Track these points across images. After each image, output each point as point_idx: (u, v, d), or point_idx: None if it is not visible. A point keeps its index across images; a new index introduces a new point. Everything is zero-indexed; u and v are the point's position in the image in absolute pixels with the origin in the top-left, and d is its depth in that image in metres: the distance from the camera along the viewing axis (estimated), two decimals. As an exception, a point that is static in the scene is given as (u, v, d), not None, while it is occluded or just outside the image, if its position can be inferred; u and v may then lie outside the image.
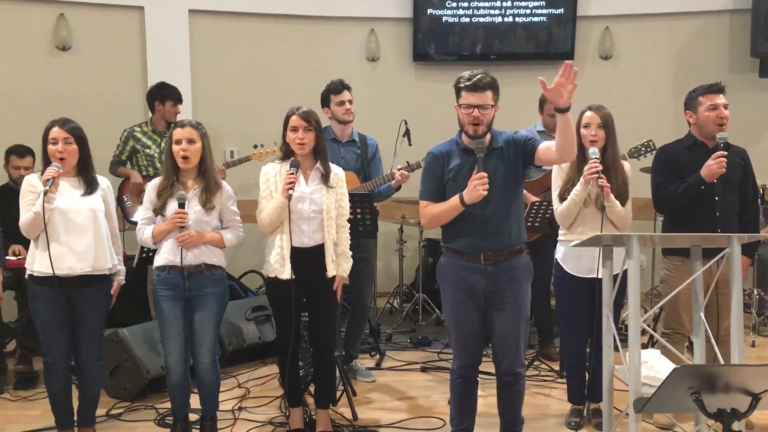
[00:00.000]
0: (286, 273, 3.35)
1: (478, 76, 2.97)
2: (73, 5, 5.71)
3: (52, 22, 5.67)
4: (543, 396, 4.20)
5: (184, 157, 3.32)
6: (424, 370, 4.65)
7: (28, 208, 3.25)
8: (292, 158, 3.40)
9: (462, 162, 3.05)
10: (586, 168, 3.34)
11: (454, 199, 2.99)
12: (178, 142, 3.34)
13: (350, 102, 4.31)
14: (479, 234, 3.02)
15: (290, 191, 3.28)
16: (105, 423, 3.81)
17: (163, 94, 5.24)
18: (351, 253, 3.53)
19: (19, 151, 4.67)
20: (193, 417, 3.66)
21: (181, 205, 3.29)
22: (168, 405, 3.66)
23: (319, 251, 3.41)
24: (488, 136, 3.06)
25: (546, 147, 3.00)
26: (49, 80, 5.68)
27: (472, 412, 3.26)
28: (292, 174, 3.32)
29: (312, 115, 3.41)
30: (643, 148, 4.73)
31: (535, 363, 4.58)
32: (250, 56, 6.23)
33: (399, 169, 4.19)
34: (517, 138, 3.10)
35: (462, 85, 2.99)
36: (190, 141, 3.34)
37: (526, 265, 3.15)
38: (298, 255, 3.38)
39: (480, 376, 3.28)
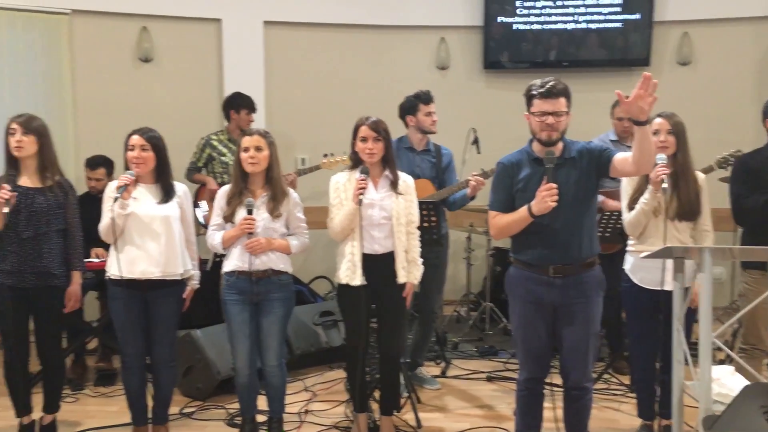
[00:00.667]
0: (357, 279, 3.40)
1: (551, 83, 2.94)
2: (155, 18, 5.95)
3: (136, 35, 5.93)
4: (612, 410, 4.10)
5: (252, 164, 3.42)
6: (489, 379, 4.62)
7: (107, 214, 3.42)
8: (362, 165, 3.45)
9: (532, 172, 3.02)
10: (652, 174, 3.25)
11: (523, 210, 2.96)
12: (246, 149, 3.44)
13: (434, 113, 4.34)
14: (548, 246, 2.98)
15: (360, 197, 3.33)
16: (178, 421, 3.94)
17: (237, 104, 5.41)
18: (422, 260, 3.54)
19: (91, 163, 4.85)
20: (261, 418, 3.75)
21: (250, 212, 3.39)
22: (238, 405, 3.76)
23: (389, 258, 3.45)
24: (560, 145, 3.01)
25: (622, 158, 2.93)
26: (132, 91, 5.93)
27: (537, 424, 3.22)
28: (363, 180, 3.37)
29: (381, 125, 3.46)
30: (731, 159, 4.56)
31: (605, 376, 4.48)
32: (321, 66, 6.34)
33: (474, 176, 4.19)
34: (591, 148, 3.04)
35: (534, 93, 2.95)
36: (258, 148, 3.44)
37: (597, 279, 3.08)
38: (369, 262, 3.42)
39: (547, 388, 3.23)
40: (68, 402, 4.19)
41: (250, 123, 5.39)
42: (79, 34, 5.76)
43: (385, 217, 3.45)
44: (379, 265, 3.44)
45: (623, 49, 6.33)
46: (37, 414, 3.64)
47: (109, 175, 4.82)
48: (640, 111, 2.63)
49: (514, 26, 6.36)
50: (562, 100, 2.94)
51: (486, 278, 5.92)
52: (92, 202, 4.45)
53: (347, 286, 3.44)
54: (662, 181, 3.21)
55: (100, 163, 4.83)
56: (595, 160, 2.99)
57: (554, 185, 2.86)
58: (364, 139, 3.44)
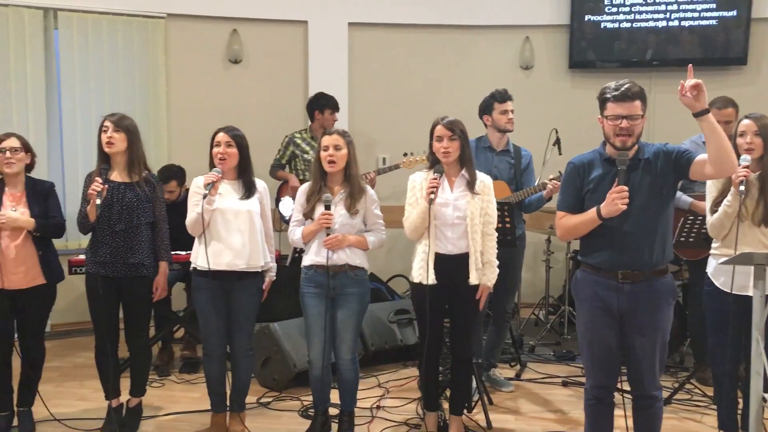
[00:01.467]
0: (428, 279, 3.42)
1: (626, 86, 2.85)
2: (244, 21, 6.17)
3: (226, 38, 6.16)
4: (694, 422, 3.96)
5: (330, 162, 3.50)
6: (565, 384, 4.54)
7: (193, 209, 3.58)
8: (438, 165, 3.47)
9: (603, 173, 2.94)
10: (734, 175, 3.11)
11: (591, 212, 2.89)
12: (326, 148, 3.53)
13: (512, 112, 4.31)
14: (617, 250, 2.90)
15: (432, 196, 3.35)
16: (254, 410, 4.08)
17: (322, 104, 5.54)
18: (498, 262, 3.53)
19: (163, 177, 4.78)
20: (333, 411, 3.83)
21: (327, 207, 3.47)
22: (312, 398, 3.85)
23: (463, 259, 3.45)
24: (634, 147, 2.93)
25: (702, 160, 2.82)
26: (222, 91, 6.17)
27: (607, 433, 3.15)
28: (435, 179, 3.38)
29: (457, 125, 3.47)
30: None
31: (688, 387, 4.32)
32: (404, 66, 6.40)
33: (551, 179, 4.13)
34: (669, 150, 2.92)
35: (608, 96, 2.87)
36: (337, 147, 3.52)
37: (669, 288, 2.97)
38: (442, 261, 3.44)
39: (622, 396, 3.15)
40: (154, 387, 4.42)
41: (333, 123, 5.51)
42: (174, 37, 6.05)
43: (459, 217, 3.45)
44: (452, 266, 3.44)
45: (719, 48, 6.08)
46: (125, 397, 3.85)
47: (181, 185, 4.93)
48: (690, 105, 2.63)
49: (602, 24, 6.21)
50: (638, 103, 2.85)
51: (565, 282, 5.81)
52: (175, 209, 4.60)
53: (419, 284, 3.47)
54: (741, 182, 3.08)
55: (171, 176, 4.89)
56: (672, 162, 2.89)
57: (625, 187, 2.78)
58: (440, 139, 3.46)
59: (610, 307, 2.94)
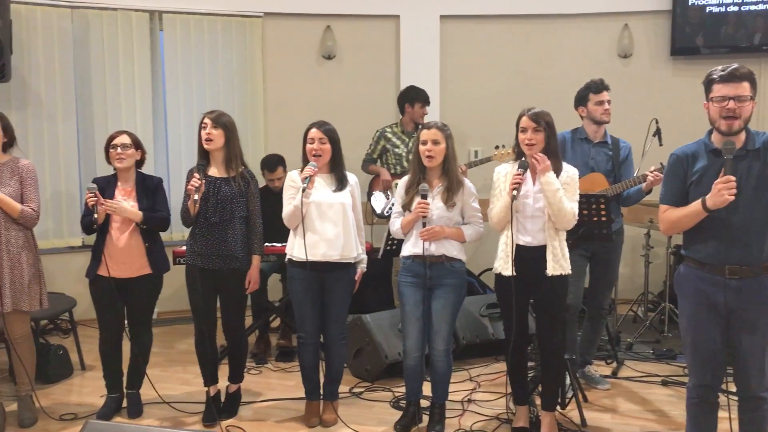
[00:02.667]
0: (508, 270, 3.39)
1: (733, 66, 2.74)
2: (338, 17, 6.26)
3: (320, 34, 6.28)
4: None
5: (429, 157, 3.52)
6: (665, 383, 4.37)
7: (289, 202, 3.68)
8: (522, 159, 3.42)
9: (708, 164, 2.82)
10: None
11: (696, 204, 2.77)
12: (424, 142, 3.54)
13: (608, 102, 4.20)
14: (724, 243, 2.77)
15: (515, 191, 3.31)
16: (347, 399, 4.16)
17: (412, 97, 5.55)
18: (589, 255, 3.45)
19: (269, 165, 5.05)
20: (424, 403, 3.86)
21: (424, 197, 3.49)
22: (403, 389, 3.89)
23: (542, 251, 3.40)
24: (742, 135, 2.79)
25: None
26: (316, 86, 6.29)
27: (710, 435, 3.02)
28: (519, 175, 3.34)
29: (542, 116, 3.40)
30: None
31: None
32: (496, 57, 6.32)
33: (652, 171, 3.98)
34: None
35: (715, 77, 2.76)
36: (435, 142, 3.53)
37: None
38: (523, 253, 3.40)
39: (724, 396, 3.02)
40: (252, 374, 4.57)
41: (423, 116, 5.51)
42: (270, 35, 6.21)
43: (540, 209, 3.40)
44: (531, 258, 3.40)
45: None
46: (224, 383, 4.01)
47: (285, 171, 5.08)
48: None
49: (707, 9, 5.93)
50: (746, 85, 2.72)
51: (666, 277, 5.59)
52: (271, 195, 4.77)
53: (500, 276, 3.45)
54: None
55: (276, 162, 5.07)
56: None
57: (732, 177, 2.65)
58: (524, 130, 3.41)
59: (716, 304, 2.82)
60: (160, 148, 6.00)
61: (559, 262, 3.40)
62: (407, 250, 3.63)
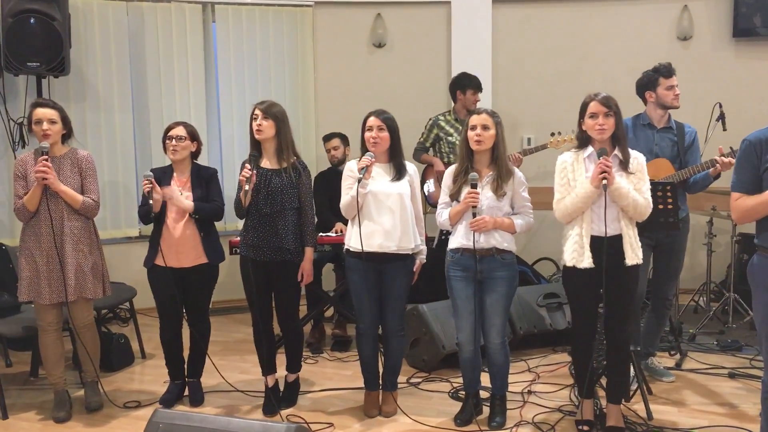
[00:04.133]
0: (584, 262, 3.30)
1: None
2: (388, 5, 6.21)
3: (371, 22, 6.23)
4: None
5: (478, 141, 3.45)
6: (732, 376, 4.25)
7: (347, 192, 3.65)
8: (598, 147, 3.31)
9: None
10: None
11: None
12: (474, 127, 3.47)
13: (677, 87, 4.07)
14: None
15: (604, 181, 3.17)
16: (405, 389, 4.13)
17: (464, 84, 5.47)
18: (653, 244, 3.35)
19: (325, 138, 5.34)
20: (484, 395, 3.81)
21: (474, 186, 3.43)
22: (461, 380, 3.85)
23: (617, 240, 3.29)
24: None
25: None
26: (366, 75, 6.26)
27: (788, 431, 2.91)
28: (607, 160, 3.21)
29: (612, 101, 3.30)
30: None
31: None
32: (550, 42, 6.19)
33: (722, 155, 3.85)
34: None
35: None
36: (485, 127, 3.46)
37: None
38: (597, 244, 3.29)
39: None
40: (309, 363, 4.59)
41: (476, 103, 5.43)
42: (321, 24, 6.19)
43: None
44: (607, 248, 3.30)
45: None
46: (282, 372, 4.02)
47: (345, 145, 5.20)
48: None
49: (771, -13, 5.70)
50: None
51: (730, 266, 5.43)
52: (336, 175, 4.79)
53: (573, 268, 3.35)
54: None
55: (332, 135, 5.27)
56: None
57: None
58: (594, 115, 3.30)
59: None
60: (213, 139, 6.05)
61: (635, 251, 3.30)
62: (456, 242, 3.56)
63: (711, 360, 4.52)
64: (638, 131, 4.07)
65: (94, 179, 3.83)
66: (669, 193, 3.70)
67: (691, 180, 4.02)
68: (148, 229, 3.96)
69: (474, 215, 3.44)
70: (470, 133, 3.49)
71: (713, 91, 5.28)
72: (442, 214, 3.62)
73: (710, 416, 3.71)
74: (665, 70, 4.05)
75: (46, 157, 3.60)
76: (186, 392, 4.04)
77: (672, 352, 4.60)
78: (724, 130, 4.70)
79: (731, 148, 3.85)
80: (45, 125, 3.65)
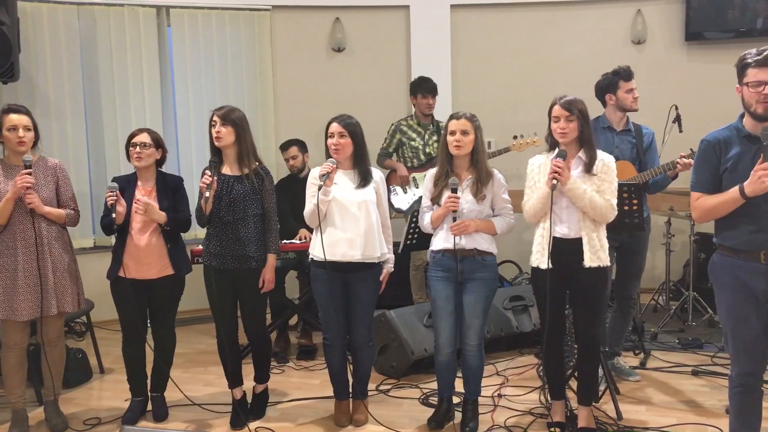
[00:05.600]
0: (544, 263, 3.32)
1: None
2: (347, 9, 6.16)
3: (329, 26, 6.18)
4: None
5: (457, 146, 3.44)
6: (695, 373, 4.32)
7: (310, 200, 3.59)
8: (559, 149, 3.34)
9: (743, 150, 2.76)
10: None
11: (734, 191, 2.72)
12: (453, 133, 3.46)
13: (636, 90, 4.13)
14: (760, 230, 2.72)
15: (554, 181, 3.23)
16: (375, 397, 4.08)
17: (414, 89, 5.46)
18: (617, 245, 3.38)
19: (282, 146, 5.18)
20: (455, 400, 3.79)
21: (454, 190, 3.42)
22: (431, 386, 3.83)
23: (578, 243, 3.31)
24: None
25: None
26: (326, 79, 6.20)
27: (756, 425, 2.94)
28: (559, 164, 3.25)
29: (575, 104, 3.32)
30: None
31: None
32: (509, 47, 6.24)
33: (682, 156, 3.92)
34: None
35: (750, 61, 2.70)
36: (464, 132, 3.45)
37: None
38: (558, 245, 3.32)
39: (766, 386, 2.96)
40: (275, 374, 4.49)
41: (428, 107, 5.41)
42: (279, 28, 6.12)
43: None
44: (568, 250, 3.32)
45: None
46: (249, 383, 3.93)
47: (303, 153, 5.09)
48: None
49: (721, -8, 5.85)
50: None
51: (688, 266, 5.53)
52: (298, 182, 4.76)
53: (537, 269, 3.38)
54: None
55: (289, 143, 5.13)
56: None
57: None
58: (557, 119, 3.33)
59: (754, 291, 2.77)
60: (169, 146, 5.80)
61: (597, 254, 3.31)
62: (438, 244, 3.55)
63: (674, 358, 4.60)
64: (598, 134, 4.11)
65: (70, 187, 3.74)
66: (633, 194, 3.75)
67: (651, 181, 4.08)
68: (104, 239, 3.83)
69: (454, 219, 3.43)
70: (449, 138, 3.47)
71: (668, 94, 5.38)
72: (424, 218, 3.61)
73: (678, 414, 3.76)
74: (625, 74, 4.11)
75: (30, 170, 3.45)
76: (149, 407, 3.91)
77: (636, 352, 4.67)
78: (681, 131, 4.78)
79: (691, 149, 3.92)
80: (21, 132, 3.51)
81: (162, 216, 3.68)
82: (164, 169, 3.93)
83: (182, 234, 3.91)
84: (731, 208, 2.76)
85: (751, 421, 2.93)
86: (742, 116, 2.83)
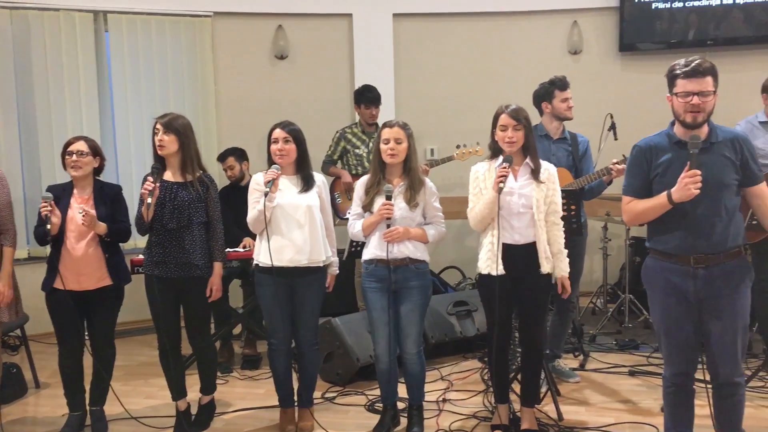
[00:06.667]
0: (496, 269, 3.37)
1: (696, 62, 2.79)
2: (290, 17, 6.16)
3: (272, 34, 6.16)
4: (769, 410, 3.86)
5: (391, 155, 3.47)
6: (632, 374, 4.46)
7: (253, 206, 3.57)
8: (505, 155, 3.40)
9: (673, 156, 2.87)
10: None
11: (662, 197, 2.82)
12: (386, 141, 3.49)
13: (571, 99, 4.24)
14: (689, 234, 2.82)
15: (501, 185, 3.28)
16: (321, 405, 4.07)
17: (357, 98, 5.50)
18: (566, 251, 3.47)
19: (219, 157, 5.18)
20: (400, 405, 3.81)
21: (388, 198, 3.44)
22: (377, 392, 3.83)
23: (531, 248, 3.39)
24: (705, 128, 2.85)
25: (761, 195, 2.89)
26: (269, 87, 6.17)
27: (689, 423, 3.06)
28: (505, 168, 3.31)
29: (522, 113, 3.39)
30: None
31: (761, 374, 4.21)
32: (451, 56, 6.33)
33: (615, 163, 4.04)
34: (746, 151, 2.85)
35: (678, 72, 2.81)
36: (398, 141, 3.48)
37: (745, 269, 2.89)
38: (510, 252, 3.38)
39: (698, 385, 3.07)
40: (219, 384, 4.38)
41: (371, 116, 5.45)
42: (221, 34, 6.08)
43: (524, 205, 3.38)
44: (520, 255, 3.38)
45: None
46: (193, 395, 3.87)
47: (241, 162, 5.05)
48: None
49: (654, 5, 6.08)
50: (709, 79, 2.78)
51: (623, 268, 5.71)
52: (239, 191, 4.73)
53: (488, 275, 3.41)
54: None
55: (226, 154, 5.12)
56: (746, 165, 2.86)
57: (698, 171, 2.71)
58: (504, 128, 3.39)
59: (686, 294, 2.87)
60: (108, 154, 5.71)
61: (548, 260, 3.40)
62: (370, 253, 3.56)
63: (611, 359, 4.73)
64: (536, 142, 4.21)
65: (10, 204, 3.65)
66: (572, 201, 3.85)
67: (587, 187, 4.20)
68: (39, 250, 3.71)
69: (388, 226, 3.45)
70: (383, 147, 3.50)
71: (603, 102, 5.55)
72: (355, 226, 3.60)
73: (615, 413, 3.87)
74: (560, 83, 4.23)
75: None
76: (87, 422, 3.81)
77: (576, 354, 4.79)
78: (616, 139, 4.95)
79: (624, 155, 4.06)
80: None
81: (102, 227, 3.59)
82: (102, 177, 3.84)
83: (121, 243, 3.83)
84: (659, 212, 2.86)
85: (683, 419, 3.04)
86: (673, 123, 2.93)
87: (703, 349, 2.97)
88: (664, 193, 2.80)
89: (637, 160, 2.97)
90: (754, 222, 3.90)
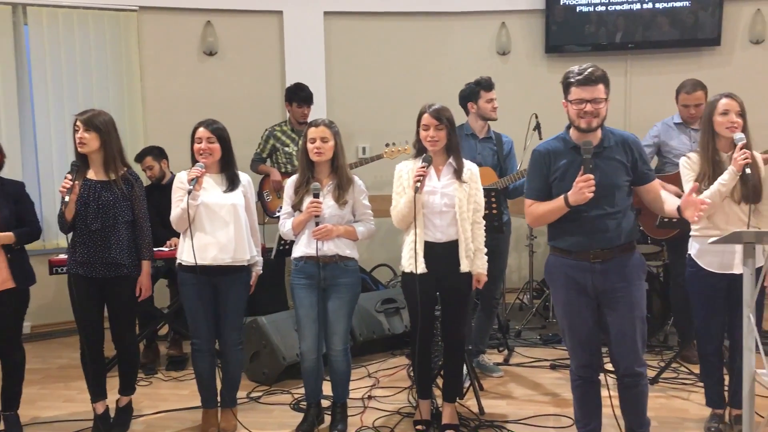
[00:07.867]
0: (418, 267, 3.41)
1: (588, 70, 2.88)
2: (219, 12, 6.08)
3: (200, 29, 6.07)
4: (681, 400, 4.01)
5: (318, 154, 3.48)
6: (553, 367, 4.58)
7: (177, 204, 3.53)
8: (425, 154, 3.45)
9: (570, 161, 2.96)
10: (737, 154, 3.17)
11: (559, 200, 2.92)
12: (313, 140, 3.49)
13: (496, 100, 4.32)
14: (586, 232, 2.93)
15: (418, 185, 3.33)
16: (245, 405, 4.05)
17: (289, 97, 5.48)
18: (486, 249, 3.53)
19: (136, 158, 4.94)
20: (325, 403, 3.82)
21: (316, 195, 3.45)
22: (303, 391, 3.83)
23: (452, 246, 3.44)
24: (599, 133, 2.96)
25: (649, 191, 3.02)
26: (198, 84, 6.07)
27: (597, 413, 3.17)
28: (423, 168, 3.36)
29: (444, 113, 3.44)
30: None
31: (674, 365, 4.38)
32: (382, 55, 6.35)
33: None
34: (633, 151, 2.98)
35: (572, 80, 2.89)
36: (324, 140, 3.49)
37: (638, 262, 3.03)
38: (432, 250, 3.42)
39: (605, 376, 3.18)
40: (142, 385, 4.36)
41: (303, 115, 5.44)
42: (147, 30, 5.94)
43: (447, 204, 3.44)
44: (441, 253, 3.43)
45: (693, 29, 6.11)
46: (114, 396, 3.79)
47: (159, 160, 4.94)
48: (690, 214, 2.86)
49: (578, 8, 6.23)
50: (601, 87, 2.88)
51: (549, 266, 5.85)
52: (161, 190, 4.65)
53: (410, 273, 3.45)
54: (746, 165, 3.12)
55: (143, 153, 4.97)
56: (635, 167, 2.99)
57: (591, 176, 2.81)
58: (426, 127, 3.43)
59: (585, 288, 2.99)
60: (28, 151, 5.61)
61: (470, 258, 3.46)
62: (299, 251, 3.57)
63: (535, 353, 4.85)
64: (462, 141, 4.28)
65: None
66: (494, 199, 3.93)
67: (511, 186, 4.29)
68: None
69: (317, 224, 3.46)
70: (309, 146, 3.50)
71: (530, 103, 5.67)
72: (285, 224, 3.61)
73: (536, 406, 3.97)
74: (486, 84, 4.31)
75: None
76: (1, 426, 3.69)
77: (500, 349, 4.88)
78: (540, 139, 5.06)
79: None
80: None
81: (8, 237, 3.48)
82: (22, 175, 3.72)
83: (42, 243, 3.71)
84: (559, 215, 2.96)
85: (590, 409, 3.16)
86: (569, 127, 3.02)
87: (606, 342, 3.08)
88: (562, 197, 2.91)
89: (537, 164, 3.06)
90: (666, 220, 4.09)
